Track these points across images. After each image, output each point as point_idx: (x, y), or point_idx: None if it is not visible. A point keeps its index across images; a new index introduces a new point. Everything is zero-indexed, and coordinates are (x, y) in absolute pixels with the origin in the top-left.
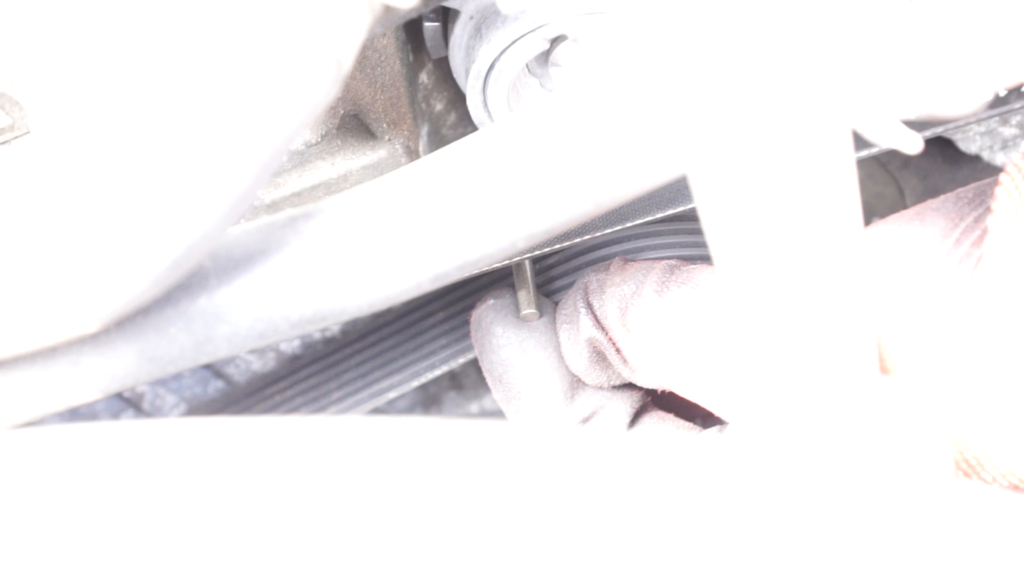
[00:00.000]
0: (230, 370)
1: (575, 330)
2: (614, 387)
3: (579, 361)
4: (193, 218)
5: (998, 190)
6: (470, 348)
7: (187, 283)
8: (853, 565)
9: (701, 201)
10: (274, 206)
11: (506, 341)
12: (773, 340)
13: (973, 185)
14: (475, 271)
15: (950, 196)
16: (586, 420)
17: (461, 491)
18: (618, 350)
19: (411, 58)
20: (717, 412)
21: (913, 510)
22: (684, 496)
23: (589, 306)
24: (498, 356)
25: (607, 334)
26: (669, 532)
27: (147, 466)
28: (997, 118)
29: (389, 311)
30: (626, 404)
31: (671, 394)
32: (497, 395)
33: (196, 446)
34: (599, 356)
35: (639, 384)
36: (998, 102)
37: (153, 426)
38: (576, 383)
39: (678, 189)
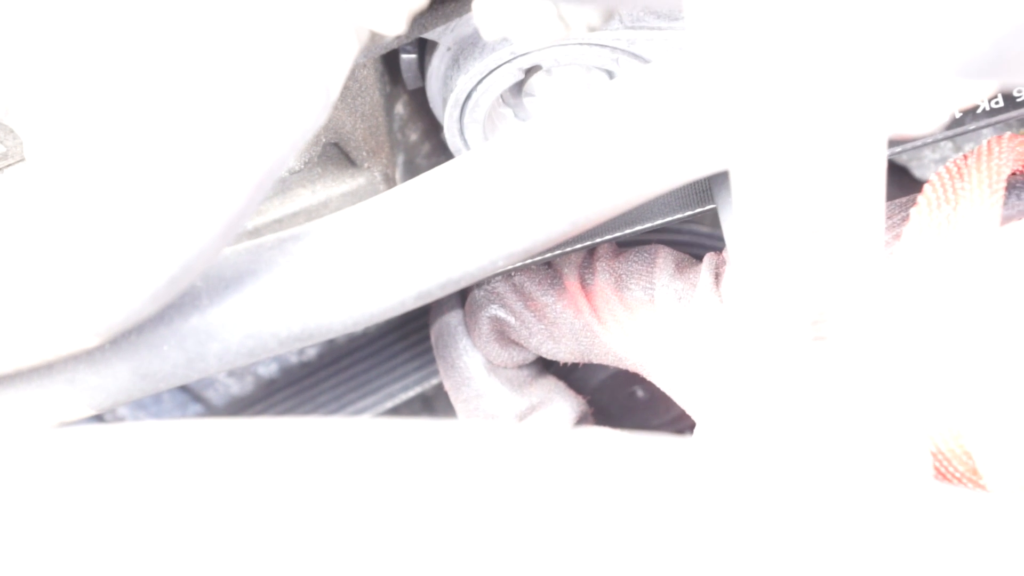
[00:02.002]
0: (209, 393)
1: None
2: (560, 388)
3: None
4: (190, 236)
5: (926, 186)
6: None
7: (180, 302)
8: (829, 567)
9: (733, 194)
10: (256, 232)
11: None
12: (784, 339)
13: (913, 195)
14: (457, 289)
15: (889, 202)
16: (533, 409)
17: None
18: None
19: (388, 89)
20: (683, 400)
21: (893, 515)
22: (666, 496)
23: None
24: (455, 344)
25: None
26: (648, 532)
27: (143, 466)
28: (951, 144)
29: (363, 335)
30: (573, 403)
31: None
32: (447, 382)
33: (188, 447)
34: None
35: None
36: (953, 123)
37: (149, 427)
38: (526, 377)
39: (648, 207)
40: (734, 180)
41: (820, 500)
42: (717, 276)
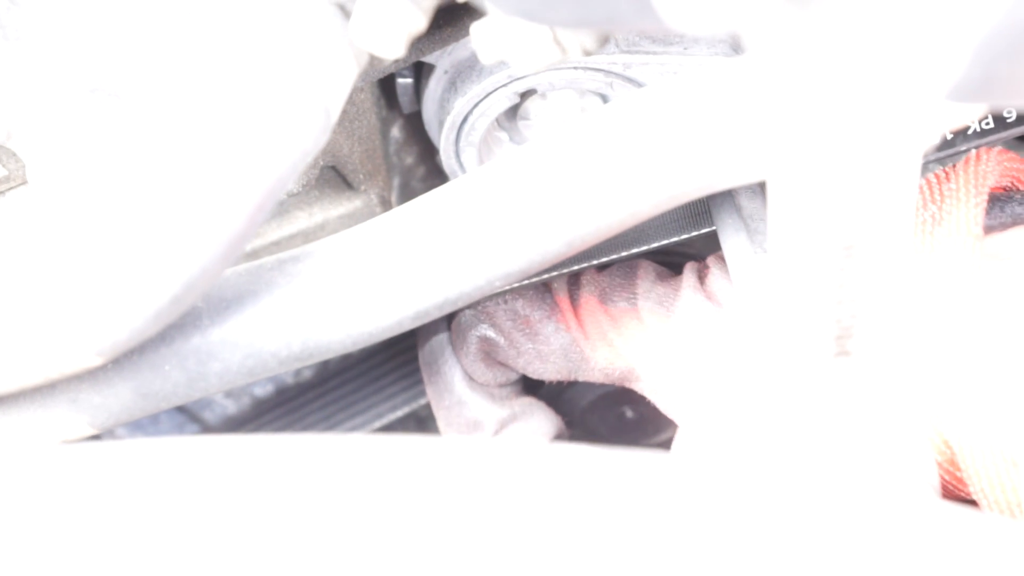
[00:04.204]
0: (206, 414)
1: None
2: (539, 403)
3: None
4: (192, 256)
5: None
6: None
7: (181, 322)
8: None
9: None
10: (255, 254)
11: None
12: (807, 353)
13: None
14: (455, 309)
15: None
16: (514, 418)
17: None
18: (582, 329)
19: (384, 113)
20: (670, 406)
21: (896, 530)
22: (672, 508)
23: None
24: (442, 353)
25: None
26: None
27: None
28: (941, 167)
29: (355, 355)
30: (551, 418)
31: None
32: (430, 389)
33: (189, 463)
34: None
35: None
36: (945, 145)
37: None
38: (507, 393)
39: (644, 230)
40: (771, 194)
41: (804, 515)
42: (700, 279)
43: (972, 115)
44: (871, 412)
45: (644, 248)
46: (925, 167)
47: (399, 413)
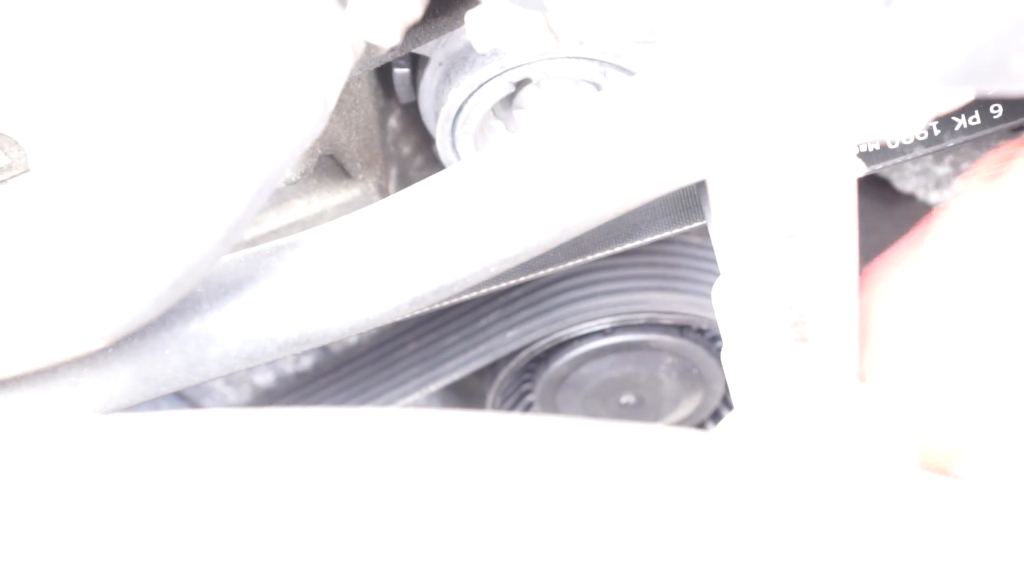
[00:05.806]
0: (206, 402)
1: None
2: None
3: None
4: (192, 241)
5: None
6: (440, 377)
7: (181, 307)
8: (819, 558)
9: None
10: (253, 243)
11: None
12: (768, 341)
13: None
14: (451, 295)
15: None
16: None
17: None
18: None
19: (382, 103)
20: None
21: (881, 506)
22: (663, 492)
23: None
24: None
25: None
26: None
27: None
28: (932, 157)
29: (359, 344)
30: None
31: None
32: None
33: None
34: None
35: None
36: (932, 140)
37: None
38: None
39: (639, 224)
40: (712, 190)
41: (810, 494)
42: None
43: (948, 103)
44: (837, 397)
45: (638, 242)
46: (918, 162)
47: (409, 400)
